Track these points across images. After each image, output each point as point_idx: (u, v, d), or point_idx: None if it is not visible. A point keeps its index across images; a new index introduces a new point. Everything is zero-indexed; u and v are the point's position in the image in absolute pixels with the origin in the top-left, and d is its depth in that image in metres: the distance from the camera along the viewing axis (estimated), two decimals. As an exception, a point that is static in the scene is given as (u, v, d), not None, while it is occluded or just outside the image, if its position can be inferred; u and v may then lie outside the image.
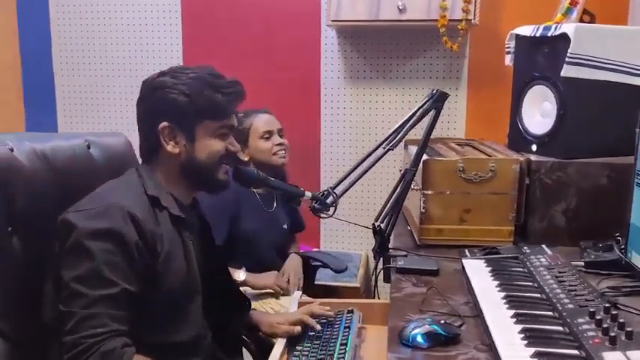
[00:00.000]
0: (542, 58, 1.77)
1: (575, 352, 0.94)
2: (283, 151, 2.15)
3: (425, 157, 1.66)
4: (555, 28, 1.70)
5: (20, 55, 2.98)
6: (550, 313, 1.10)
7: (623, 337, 0.93)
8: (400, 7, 2.35)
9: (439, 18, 2.37)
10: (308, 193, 1.44)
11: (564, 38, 1.65)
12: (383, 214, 1.57)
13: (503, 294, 1.20)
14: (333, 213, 1.45)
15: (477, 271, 1.38)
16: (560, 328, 1.03)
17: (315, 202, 1.45)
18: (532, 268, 1.34)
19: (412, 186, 1.66)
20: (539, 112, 1.79)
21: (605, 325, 0.96)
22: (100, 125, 2.98)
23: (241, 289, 1.69)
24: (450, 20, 2.38)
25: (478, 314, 1.17)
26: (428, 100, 1.55)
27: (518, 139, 1.86)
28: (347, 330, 1.34)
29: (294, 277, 2.10)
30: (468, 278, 1.35)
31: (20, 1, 2.95)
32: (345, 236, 2.90)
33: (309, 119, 2.82)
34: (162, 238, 1.21)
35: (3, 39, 2.93)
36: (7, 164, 1.13)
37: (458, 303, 1.26)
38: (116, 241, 1.13)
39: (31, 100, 3.02)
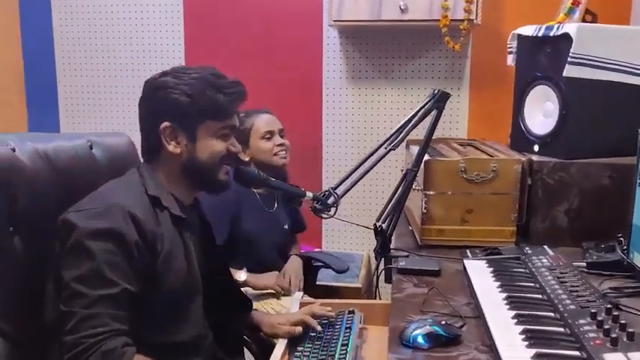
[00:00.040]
0: (544, 58, 1.76)
1: (576, 353, 0.93)
2: (284, 152, 2.15)
3: (426, 157, 1.65)
4: (557, 28, 1.70)
5: (23, 55, 2.99)
6: (551, 314, 1.10)
7: (624, 339, 0.92)
8: (402, 7, 2.35)
9: (441, 18, 2.37)
10: (309, 194, 1.44)
11: (566, 38, 1.64)
12: (384, 214, 1.57)
13: (504, 295, 1.20)
14: (335, 213, 1.45)
15: (479, 271, 1.38)
16: (562, 329, 1.02)
17: (317, 203, 1.44)
18: (534, 269, 1.34)
19: (414, 186, 1.66)
20: (542, 112, 1.79)
21: (606, 327, 0.96)
22: (102, 125, 2.98)
23: (242, 289, 1.69)
24: (452, 20, 2.37)
25: (479, 315, 1.17)
26: (430, 100, 1.55)
27: (521, 139, 1.86)
28: (348, 330, 1.34)
29: (295, 278, 2.09)
30: (469, 279, 1.35)
31: (23, 2, 2.95)
32: (346, 236, 2.90)
33: (310, 119, 2.82)
34: (162, 237, 1.21)
35: (5, 39, 2.93)
36: (9, 164, 1.13)
37: (459, 304, 1.26)
38: (117, 241, 1.13)
39: (34, 100, 3.03)
